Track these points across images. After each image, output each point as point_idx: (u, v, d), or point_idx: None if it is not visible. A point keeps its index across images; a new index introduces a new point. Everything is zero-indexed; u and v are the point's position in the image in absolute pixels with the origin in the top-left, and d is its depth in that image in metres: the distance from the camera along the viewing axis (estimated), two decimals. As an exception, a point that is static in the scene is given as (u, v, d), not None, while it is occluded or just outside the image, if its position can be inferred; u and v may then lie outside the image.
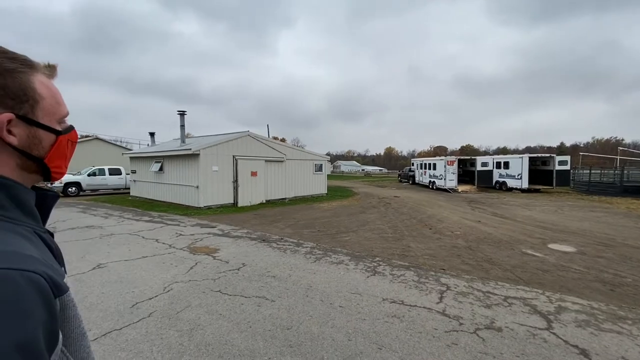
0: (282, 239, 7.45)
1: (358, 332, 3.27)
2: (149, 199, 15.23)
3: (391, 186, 26.68)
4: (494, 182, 22.50)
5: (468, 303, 3.99)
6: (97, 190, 19.48)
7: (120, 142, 40.88)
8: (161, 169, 14.34)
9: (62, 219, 9.87)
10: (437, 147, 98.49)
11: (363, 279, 4.82)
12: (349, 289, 4.42)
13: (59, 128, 0.64)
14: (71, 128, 0.69)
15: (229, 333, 3.22)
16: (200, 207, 12.30)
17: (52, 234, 0.69)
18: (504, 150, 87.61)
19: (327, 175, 18.68)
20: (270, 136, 25.51)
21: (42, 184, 0.68)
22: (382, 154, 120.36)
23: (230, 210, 12.50)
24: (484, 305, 3.91)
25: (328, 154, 19.55)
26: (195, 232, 8.18)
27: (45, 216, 0.68)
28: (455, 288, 4.48)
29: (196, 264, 5.51)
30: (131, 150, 36.70)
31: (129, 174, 20.83)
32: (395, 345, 3.03)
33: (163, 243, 6.94)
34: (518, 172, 20.63)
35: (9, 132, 0.57)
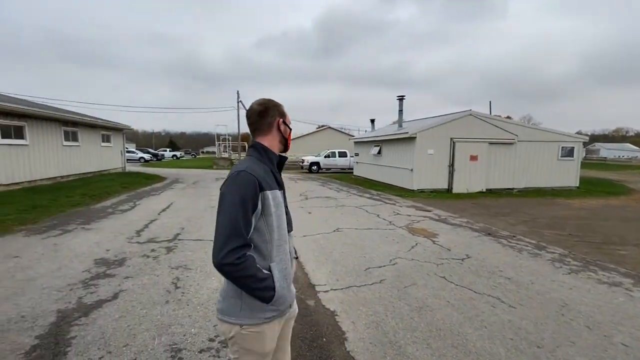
0: (513, 236, 6.25)
1: (673, 397, 2.14)
2: (368, 179, 17.16)
3: None
4: None
5: None
6: (330, 169, 24.13)
7: (344, 129, 48.49)
8: (379, 152, 15.69)
9: (310, 189, 12.88)
10: None
11: (669, 318, 3.17)
12: (636, 324, 3.04)
13: (290, 127, 1.49)
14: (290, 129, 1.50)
15: (461, 325, 2.97)
16: (413, 190, 12.53)
17: (279, 174, 1.45)
18: None
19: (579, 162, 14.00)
20: (492, 114, 22.01)
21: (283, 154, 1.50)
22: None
23: (444, 196, 11.94)
24: None
25: (579, 134, 14.47)
26: (411, 213, 8.37)
27: (281, 167, 1.48)
28: None
29: (416, 244, 5.57)
30: (353, 136, 42.65)
31: (352, 157, 24.35)
32: None
33: (383, 219, 7.54)
34: None
35: (278, 126, 1.43)
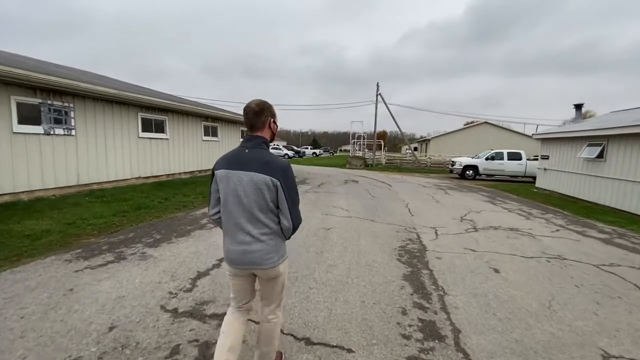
0: None
1: None
2: (570, 197, 11.00)
3: None
4: None
5: None
6: (492, 175, 18.08)
7: (502, 124, 38.45)
8: (600, 154, 9.49)
9: (474, 209, 8.50)
10: None
11: None
12: None
13: (277, 124, 1.90)
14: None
15: None
16: None
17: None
18: None
19: None
20: None
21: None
22: None
23: None
24: None
25: None
26: None
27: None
28: None
29: None
30: (529, 136, 32.96)
31: (530, 160, 17.56)
32: None
33: None
34: None
35: (270, 125, 1.84)
